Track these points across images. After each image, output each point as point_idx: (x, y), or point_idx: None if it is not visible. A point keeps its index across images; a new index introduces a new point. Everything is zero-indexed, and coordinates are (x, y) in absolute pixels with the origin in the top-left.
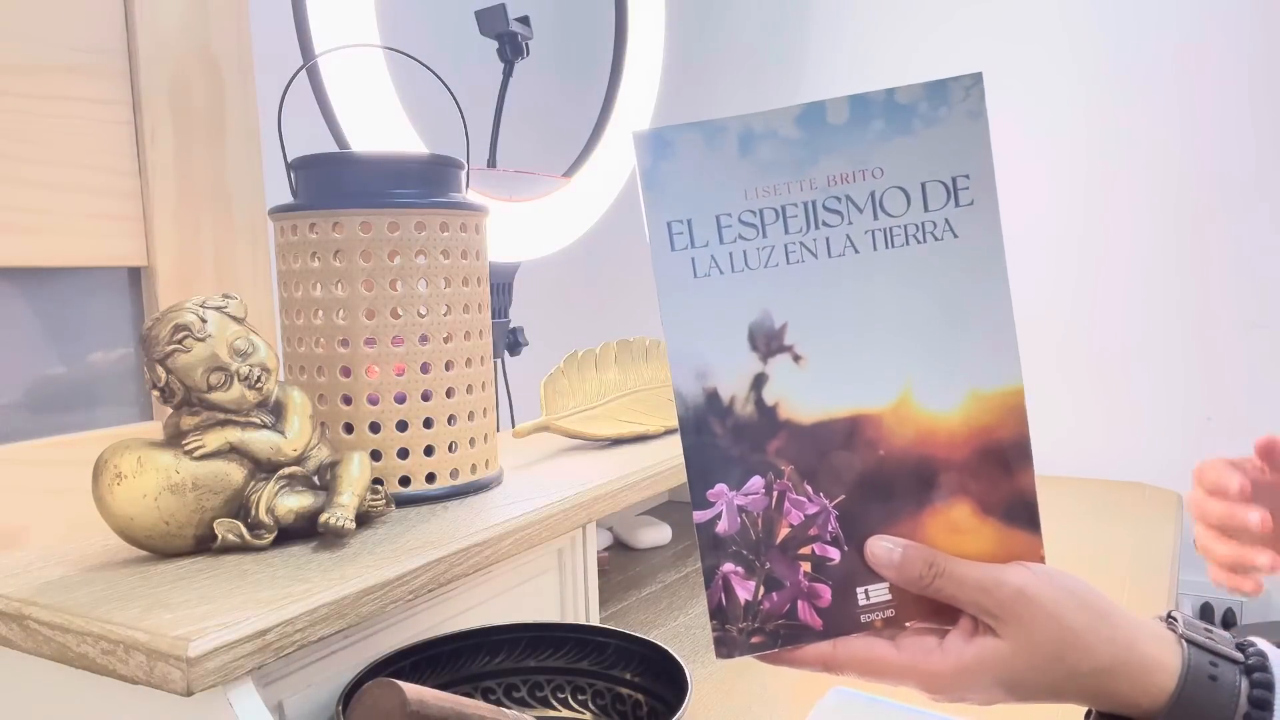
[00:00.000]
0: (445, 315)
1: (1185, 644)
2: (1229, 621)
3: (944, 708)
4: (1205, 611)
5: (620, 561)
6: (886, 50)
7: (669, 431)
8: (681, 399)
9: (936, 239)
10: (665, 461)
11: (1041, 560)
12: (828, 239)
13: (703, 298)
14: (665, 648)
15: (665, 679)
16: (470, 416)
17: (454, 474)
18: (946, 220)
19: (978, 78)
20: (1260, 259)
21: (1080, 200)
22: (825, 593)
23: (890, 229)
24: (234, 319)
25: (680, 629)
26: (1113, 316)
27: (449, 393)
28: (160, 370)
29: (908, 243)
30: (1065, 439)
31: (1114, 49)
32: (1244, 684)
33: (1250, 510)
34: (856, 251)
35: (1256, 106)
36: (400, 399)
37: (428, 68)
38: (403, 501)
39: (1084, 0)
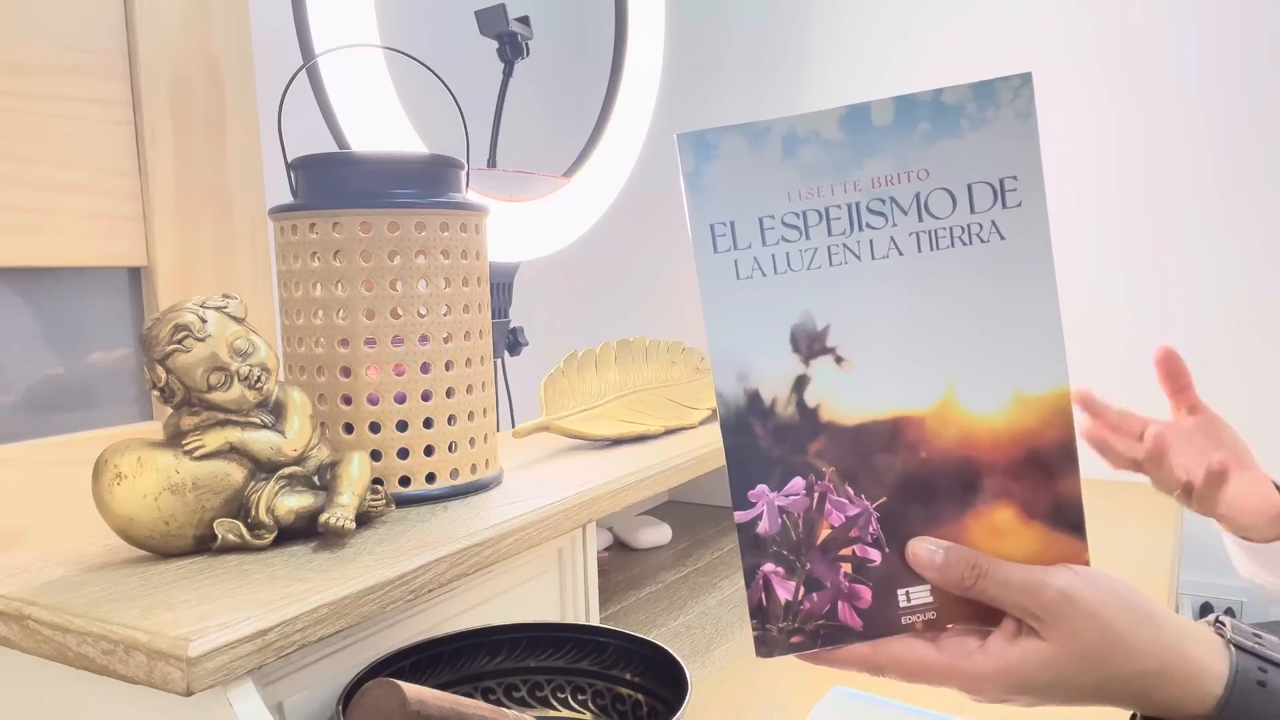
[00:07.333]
0: (445, 315)
1: (1233, 649)
2: None
3: (946, 708)
4: (1205, 611)
5: (620, 561)
6: (887, 50)
7: (669, 431)
8: (723, 400)
9: (983, 241)
10: (665, 461)
11: (1086, 564)
12: (871, 241)
13: (745, 300)
14: (665, 648)
15: (665, 679)
16: (470, 416)
17: (454, 474)
18: (993, 222)
19: (1027, 78)
20: (1251, 258)
21: (1076, 205)
22: (866, 594)
23: (935, 231)
24: (234, 319)
25: (680, 629)
26: (1111, 316)
27: (449, 393)
28: (160, 370)
29: (953, 245)
30: None
31: (1122, 44)
32: None
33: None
34: (900, 254)
35: None
36: (400, 399)
37: (428, 68)
38: (403, 501)
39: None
